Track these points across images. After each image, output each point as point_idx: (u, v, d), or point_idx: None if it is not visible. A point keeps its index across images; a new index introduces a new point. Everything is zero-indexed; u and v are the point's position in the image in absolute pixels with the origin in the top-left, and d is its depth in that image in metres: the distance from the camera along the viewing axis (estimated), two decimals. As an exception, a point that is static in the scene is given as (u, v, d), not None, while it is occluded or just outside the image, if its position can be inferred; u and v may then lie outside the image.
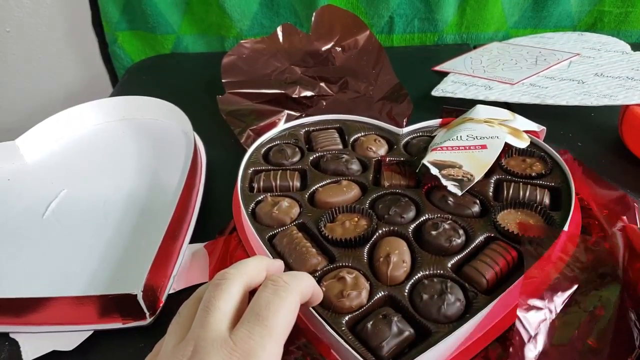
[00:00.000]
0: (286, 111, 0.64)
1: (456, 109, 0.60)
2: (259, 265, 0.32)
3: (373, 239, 0.43)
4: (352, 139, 0.56)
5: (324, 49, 0.76)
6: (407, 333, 0.35)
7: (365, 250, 0.42)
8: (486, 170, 0.47)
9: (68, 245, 0.49)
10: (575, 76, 0.66)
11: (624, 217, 0.44)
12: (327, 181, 0.50)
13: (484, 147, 0.49)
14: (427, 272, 0.39)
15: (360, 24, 0.76)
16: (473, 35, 0.85)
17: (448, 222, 0.43)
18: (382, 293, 0.38)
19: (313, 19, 0.75)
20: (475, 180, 0.46)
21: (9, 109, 0.97)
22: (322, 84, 0.69)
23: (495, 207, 0.45)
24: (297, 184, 0.50)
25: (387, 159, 0.52)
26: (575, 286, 0.37)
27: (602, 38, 0.75)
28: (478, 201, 0.46)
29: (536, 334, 0.34)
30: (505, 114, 0.54)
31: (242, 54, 0.73)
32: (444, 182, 0.45)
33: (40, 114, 0.64)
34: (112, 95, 0.78)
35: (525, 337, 0.34)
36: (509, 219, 0.43)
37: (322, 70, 0.73)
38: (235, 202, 0.51)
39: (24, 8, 0.87)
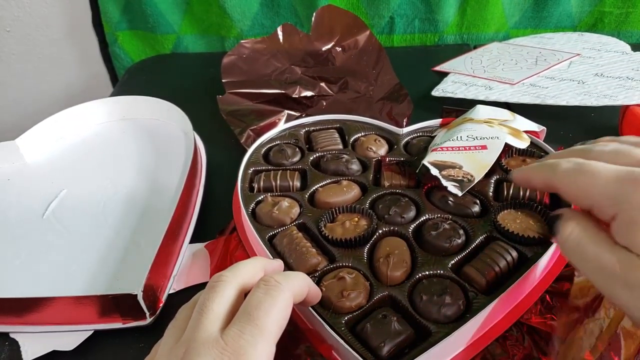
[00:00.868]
0: (286, 111, 0.64)
1: (456, 109, 0.60)
2: (255, 267, 0.32)
3: (373, 239, 0.43)
4: (352, 139, 0.56)
5: (324, 49, 0.76)
6: (407, 333, 0.35)
7: (365, 250, 0.42)
8: (486, 171, 0.47)
9: (68, 245, 0.49)
10: (576, 76, 0.66)
11: None
12: (327, 181, 0.50)
13: (484, 147, 0.49)
14: (427, 272, 0.39)
15: (361, 24, 0.76)
16: (473, 35, 0.85)
17: (448, 222, 0.43)
18: (382, 293, 0.38)
19: (313, 19, 0.75)
20: (475, 181, 0.46)
21: (9, 108, 0.97)
22: (322, 84, 0.69)
23: (495, 207, 0.45)
24: (297, 184, 0.50)
25: (387, 159, 0.52)
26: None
27: (603, 38, 0.75)
28: (478, 201, 0.46)
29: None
30: (505, 114, 0.54)
31: (242, 54, 0.73)
32: (444, 182, 0.45)
33: (40, 114, 0.64)
34: (112, 95, 0.78)
35: None
36: (509, 219, 0.43)
37: (322, 70, 0.73)
38: (235, 202, 0.51)
39: (24, 8, 0.87)
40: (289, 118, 0.64)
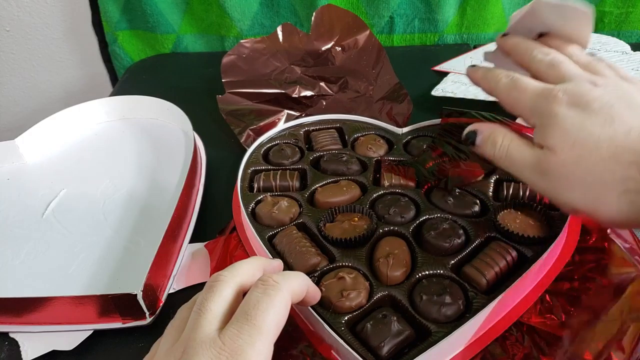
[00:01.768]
0: (286, 111, 0.64)
1: (456, 110, 0.60)
2: (254, 267, 0.32)
3: (373, 239, 0.43)
4: (352, 139, 0.56)
5: (324, 48, 0.76)
6: (406, 333, 0.35)
7: (365, 250, 0.42)
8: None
9: (68, 244, 0.49)
10: None
11: None
12: (327, 181, 0.50)
13: None
14: (426, 272, 0.39)
15: (361, 24, 0.76)
16: (473, 35, 0.85)
17: (448, 222, 0.43)
18: (382, 293, 0.38)
19: (313, 18, 0.75)
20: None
21: (8, 108, 0.97)
22: (322, 84, 0.69)
23: (495, 206, 0.45)
24: (297, 183, 0.50)
25: (387, 158, 0.52)
26: None
27: (602, 38, 0.75)
28: (478, 201, 0.46)
29: None
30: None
31: (242, 53, 0.73)
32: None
33: (40, 114, 0.64)
34: (112, 94, 0.78)
35: None
36: (509, 218, 0.43)
37: (322, 70, 0.73)
38: (235, 201, 0.51)
39: (24, 8, 0.87)
40: (289, 118, 0.64)
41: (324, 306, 0.37)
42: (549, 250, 0.39)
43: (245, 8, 0.84)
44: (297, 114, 0.65)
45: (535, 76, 0.37)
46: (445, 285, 0.37)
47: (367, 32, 0.75)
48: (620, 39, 0.74)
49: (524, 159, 0.35)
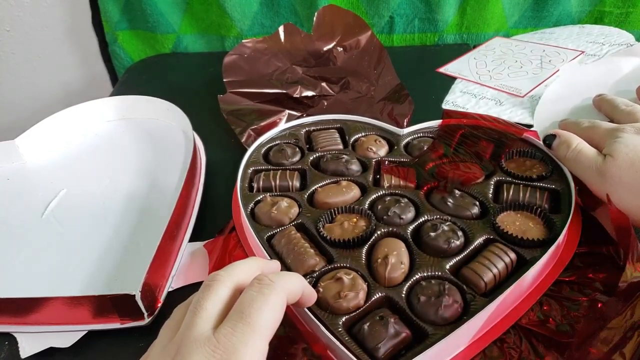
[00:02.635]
0: (287, 111, 0.64)
1: (458, 112, 0.60)
2: (251, 267, 0.32)
3: (372, 240, 0.43)
4: (352, 139, 0.56)
5: (325, 48, 0.76)
6: (403, 335, 0.35)
7: (364, 251, 0.42)
8: None
9: (67, 244, 0.49)
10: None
11: None
12: (327, 181, 0.50)
13: None
14: (425, 274, 0.39)
15: (362, 24, 0.76)
16: (473, 35, 0.85)
17: (447, 223, 0.43)
18: (380, 294, 0.38)
19: (314, 18, 0.75)
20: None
21: (8, 108, 0.97)
22: (324, 84, 0.69)
23: (495, 209, 0.45)
24: (297, 184, 0.50)
25: (387, 159, 0.52)
26: None
27: (604, 29, 0.74)
28: (478, 203, 0.46)
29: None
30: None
31: (243, 53, 0.73)
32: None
33: (40, 114, 0.64)
34: (112, 95, 0.78)
35: None
36: (508, 221, 0.43)
37: (323, 70, 0.72)
38: (234, 201, 0.51)
39: (24, 8, 0.87)
40: (290, 118, 0.64)
41: (321, 307, 0.37)
42: (548, 253, 0.39)
43: (245, 8, 0.84)
44: (298, 114, 0.64)
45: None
46: (443, 287, 0.37)
47: (369, 32, 0.75)
48: (621, 39, 0.73)
49: (590, 160, 0.44)
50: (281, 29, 0.74)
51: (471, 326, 0.35)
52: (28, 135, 0.61)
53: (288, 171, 0.51)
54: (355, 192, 0.48)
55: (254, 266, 0.33)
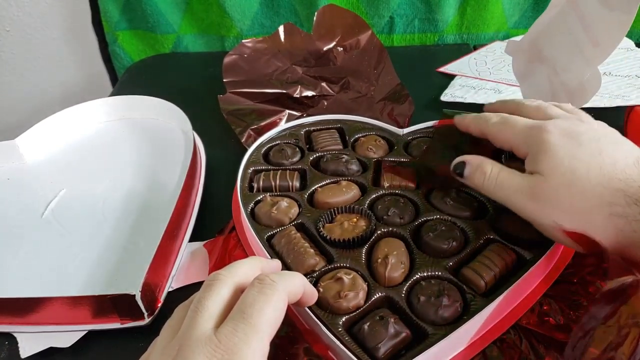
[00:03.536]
0: (287, 111, 0.64)
1: (456, 112, 0.60)
2: (252, 266, 0.32)
3: (371, 240, 0.43)
4: (352, 139, 0.56)
5: (325, 48, 0.76)
6: (403, 335, 0.35)
7: (364, 251, 0.42)
8: None
9: (67, 244, 0.49)
10: None
11: None
12: (327, 181, 0.50)
13: None
14: (425, 274, 0.39)
15: (362, 24, 0.76)
16: (473, 35, 0.85)
17: (447, 223, 0.43)
18: (380, 294, 0.38)
19: (315, 18, 0.75)
20: None
21: (8, 108, 0.97)
22: (324, 84, 0.69)
23: (495, 208, 0.45)
24: (297, 184, 0.50)
25: (387, 159, 0.52)
26: None
27: None
28: (477, 202, 0.46)
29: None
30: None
31: (243, 53, 0.73)
32: None
33: (40, 114, 0.64)
34: (112, 94, 0.78)
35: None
36: (508, 220, 0.43)
37: (323, 70, 0.72)
38: (234, 201, 0.51)
39: (24, 8, 0.87)
40: (290, 118, 0.64)
41: (321, 307, 0.37)
42: (547, 252, 0.39)
43: (245, 8, 0.84)
44: (298, 114, 0.65)
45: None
46: (443, 287, 0.37)
47: (369, 32, 0.75)
48: (621, 39, 0.73)
49: (515, 184, 0.37)
50: (281, 29, 0.74)
51: (471, 326, 0.35)
52: (28, 135, 0.61)
53: (288, 171, 0.51)
54: (355, 192, 0.48)
55: (255, 265, 0.33)
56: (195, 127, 0.59)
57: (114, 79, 0.96)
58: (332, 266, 0.41)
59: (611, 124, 0.60)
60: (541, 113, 0.40)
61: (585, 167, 0.35)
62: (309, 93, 0.67)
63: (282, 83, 0.69)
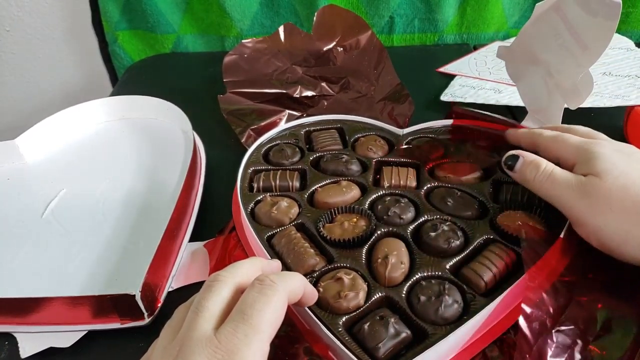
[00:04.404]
0: (287, 111, 0.64)
1: (469, 111, 0.60)
2: (253, 267, 0.32)
3: (372, 240, 0.43)
4: (352, 139, 0.56)
5: (325, 48, 0.76)
6: (403, 335, 0.35)
7: (364, 251, 0.42)
8: None
9: (67, 244, 0.49)
10: None
11: None
12: (327, 181, 0.50)
13: None
14: (425, 274, 0.39)
15: (362, 24, 0.76)
16: (473, 35, 0.85)
17: (447, 223, 0.43)
18: (380, 294, 0.38)
19: (315, 18, 0.75)
20: None
21: (8, 108, 0.97)
22: (324, 84, 0.69)
23: (495, 208, 0.45)
24: (297, 184, 0.50)
25: (387, 159, 0.52)
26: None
27: None
28: (478, 202, 0.46)
29: (538, 338, 0.34)
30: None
31: (243, 53, 0.73)
32: None
33: (40, 114, 0.64)
34: (112, 94, 0.78)
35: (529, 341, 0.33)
36: (508, 220, 0.43)
37: (323, 70, 0.73)
38: (234, 201, 0.51)
39: (24, 8, 0.87)
40: (290, 118, 0.64)
41: (321, 307, 0.37)
42: (547, 252, 0.39)
43: (245, 8, 0.84)
44: (298, 114, 0.65)
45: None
46: (443, 287, 0.37)
47: (369, 32, 0.75)
48: (621, 38, 0.73)
49: (568, 181, 0.39)
50: (281, 29, 0.74)
51: (471, 326, 0.35)
52: (28, 135, 0.61)
53: (288, 171, 0.51)
54: (355, 192, 0.48)
55: (256, 266, 0.33)
56: (195, 127, 0.59)
57: (114, 79, 0.96)
58: (332, 266, 0.41)
59: (611, 124, 0.61)
60: (592, 135, 0.43)
61: (637, 174, 0.37)
62: (309, 93, 0.67)
63: (282, 83, 0.69)
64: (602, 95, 0.60)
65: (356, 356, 0.33)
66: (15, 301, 0.40)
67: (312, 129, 0.59)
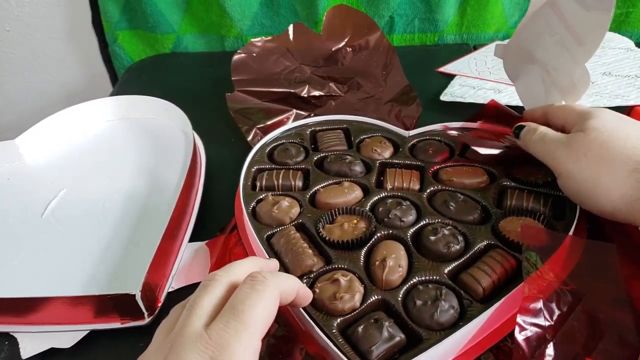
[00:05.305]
0: (295, 110, 0.64)
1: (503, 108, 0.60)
2: (249, 266, 0.32)
3: (371, 242, 0.42)
4: (357, 140, 0.56)
5: (334, 48, 0.75)
6: (397, 339, 0.35)
7: (362, 253, 0.41)
8: None
9: (67, 244, 0.50)
10: None
11: None
12: (329, 182, 0.50)
13: None
14: (422, 278, 0.39)
15: (372, 24, 0.75)
16: (473, 35, 0.85)
17: (448, 227, 0.42)
18: (376, 297, 0.38)
19: (324, 18, 0.74)
20: None
21: (8, 108, 0.97)
22: (332, 84, 0.69)
23: (498, 214, 0.44)
24: (299, 183, 0.50)
25: (392, 161, 0.52)
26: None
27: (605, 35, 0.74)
28: (480, 207, 0.45)
29: (536, 350, 0.34)
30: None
31: (252, 52, 0.72)
32: None
33: (40, 114, 0.64)
34: (112, 94, 0.78)
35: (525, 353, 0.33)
36: (510, 226, 0.42)
37: (331, 70, 0.72)
38: (237, 200, 0.51)
39: (24, 8, 0.87)
40: (297, 117, 0.63)
41: (317, 308, 0.37)
42: (548, 260, 0.38)
43: (245, 8, 0.84)
44: (305, 113, 0.64)
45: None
46: (440, 292, 0.37)
47: (378, 32, 0.75)
48: (621, 39, 0.73)
49: (558, 139, 0.43)
50: (290, 28, 0.74)
51: (466, 332, 0.35)
52: (28, 135, 0.61)
53: (291, 171, 0.51)
54: (357, 193, 0.48)
55: (253, 266, 0.33)
56: (195, 127, 0.59)
57: (114, 79, 0.96)
58: (330, 267, 0.40)
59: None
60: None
61: (624, 134, 0.40)
62: (317, 93, 0.67)
63: (290, 82, 0.69)
64: (602, 95, 0.60)
65: (348, 358, 0.33)
66: (16, 301, 0.40)
67: (317, 128, 0.58)
